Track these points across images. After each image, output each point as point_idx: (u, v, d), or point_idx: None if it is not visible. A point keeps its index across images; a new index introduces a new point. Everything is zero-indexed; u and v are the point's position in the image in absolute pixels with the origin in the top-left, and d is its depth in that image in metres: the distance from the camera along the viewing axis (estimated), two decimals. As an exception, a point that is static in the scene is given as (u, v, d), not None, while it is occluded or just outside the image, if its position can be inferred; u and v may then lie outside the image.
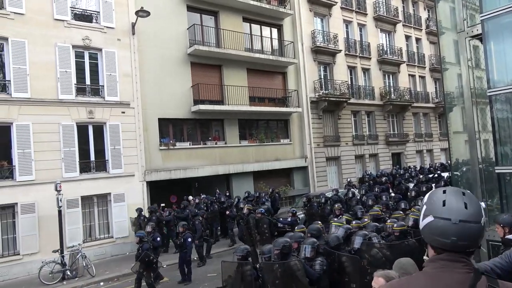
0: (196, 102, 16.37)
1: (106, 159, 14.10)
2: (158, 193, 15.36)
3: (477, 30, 4.97)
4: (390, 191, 15.95)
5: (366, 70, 24.56)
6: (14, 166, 12.23)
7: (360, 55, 24.01)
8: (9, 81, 12.37)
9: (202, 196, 15.59)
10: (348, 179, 19.82)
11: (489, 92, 4.75)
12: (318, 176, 20.79)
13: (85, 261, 11.53)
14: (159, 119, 15.55)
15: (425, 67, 28.80)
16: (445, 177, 16.41)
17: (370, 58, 24.54)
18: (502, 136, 4.90)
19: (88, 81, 14.07)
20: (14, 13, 12.54)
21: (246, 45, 18.58)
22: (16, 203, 12.14)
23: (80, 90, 13.84)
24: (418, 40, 28.83)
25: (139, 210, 13.49)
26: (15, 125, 12.29)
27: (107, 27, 14.43)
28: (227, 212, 13.99)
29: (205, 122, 17.39)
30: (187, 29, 16.63)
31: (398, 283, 1.56)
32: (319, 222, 8.13)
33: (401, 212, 8.84)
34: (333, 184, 21.54)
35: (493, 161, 4.95)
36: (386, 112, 25.08)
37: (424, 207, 1.47)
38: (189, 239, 10.02)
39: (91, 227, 13.80)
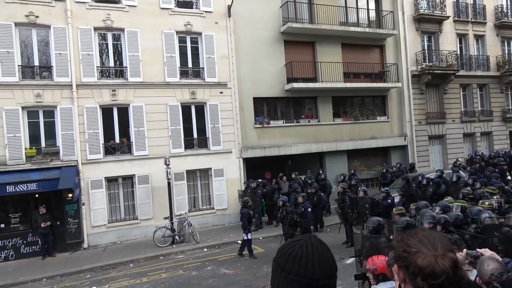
0: (289, 80, 16.43)
1: (207, 136, 15.16)
2: (253, 169, 16.05)
3: None
4: (507, 174, 14.12)
5: (479, 37, 21.66)
6: (132, 142, 13.95)
7: (473, 20, 21.19)
8: (126, 67, 13.98)
9: (294, 173, 15.67)
10: (459, 160, 18.03)
11: None
12: (419, 156, 19.37)
13: (191, 229, 12.77)
14: (254, 98, 16.04)
15: (558, 29, 24.18)
16: None
17: (485, 23, 21.51)
18: None
19: (190, 64, 15.13)
20: (129, 5, 14.00)
21: (340, 18, 17.83)
22: (134, 175, 13.91)
23: (183, 73, 14.98)
24: (549, -3, 24.22)
25: (247, 183, 14.63)
26: (131, 107, 13.93)
27: (205, 11, 15.19)
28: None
29: (298, 100, 17.40)
30: (280, 7, 16.59)
31: None
32: (428, 204, 7.69)
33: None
34: (436, 165, 19.87)
35: None
36: (504, 85, 21.94)
37: None
38: (309, 209, 10.25)
39: (195, 198, 15.13)
